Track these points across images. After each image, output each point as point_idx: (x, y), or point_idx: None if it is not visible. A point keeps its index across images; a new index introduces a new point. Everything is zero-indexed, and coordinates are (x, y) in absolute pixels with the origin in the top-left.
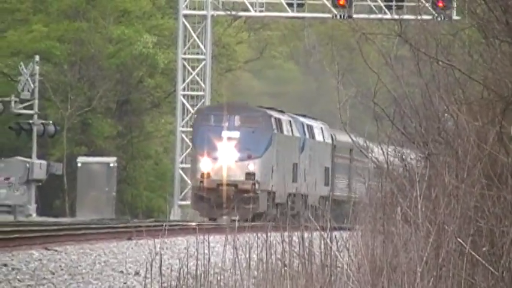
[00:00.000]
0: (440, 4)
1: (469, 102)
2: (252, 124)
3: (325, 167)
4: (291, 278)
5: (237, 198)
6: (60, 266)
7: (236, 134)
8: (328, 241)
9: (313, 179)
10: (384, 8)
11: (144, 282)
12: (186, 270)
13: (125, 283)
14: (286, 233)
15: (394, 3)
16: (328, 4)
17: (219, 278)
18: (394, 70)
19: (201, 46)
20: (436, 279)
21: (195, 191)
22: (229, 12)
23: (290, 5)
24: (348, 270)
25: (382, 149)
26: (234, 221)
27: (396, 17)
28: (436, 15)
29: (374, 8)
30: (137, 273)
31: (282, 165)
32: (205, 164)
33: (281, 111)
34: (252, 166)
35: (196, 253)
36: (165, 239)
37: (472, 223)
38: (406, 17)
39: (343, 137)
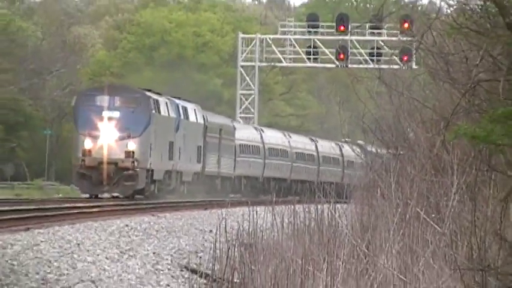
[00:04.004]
0: (405, 58)
1: (423, 121)
2: (131, 104)
3: (197, 145)
4: (309, 233)
5: (117, 176)
6: (162, 227)
7: (116, 114)
8: (332, 210)
9: (188, 156)
10: (369, 60)
11: (215, 237)
12: (242, 228)
13: (203, 237)
14: (306, 205)
15: (375, 57)
16: (333, 58)
17: (263, 233)
18: (375, 101)
19: (251, 85)
20: (402, 234)
21: (77, 169)
22: (269, 64)
23: (309, 58)
24: (345, 228)
25: (368, 148)
26: (116, 197)
27: (377, 66)
28: (402, 65)
29: (362, 60)
30: (211, 231)
31: (159, 144)
32: (86, 143)
33: (158, 93)
34: (132, 145)
35: (248, 218)
36: (228, 209)
37: (425, 198)
38: (383, 66)
39: (214, 119)
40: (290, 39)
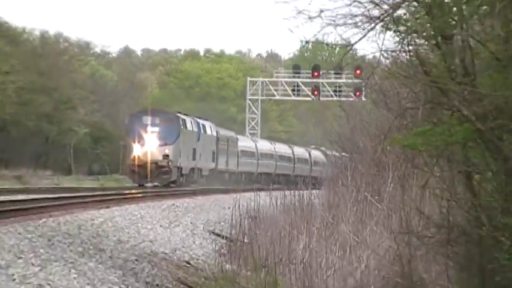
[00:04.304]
0: (357, 94)
1: (369, 135)
2: (167, 122)
3: (212, 150)
4: (294, 209)
5: (157, 171)
6: (197, 205)
7: (156, 129)
8: (309, 194)
9: (205, 158)
10: (333, 95)
11: (232, 212)
12: (249, 206)
13: (224, 212)
14: (292, 191)
15: (338, 93)
16: (310, 94)
17: (263, 210)
18: (338, 122)
19: (256, 111)
20: (356, 210)
21: (130, 167)
22: (267, 97)
23: (293, 94)
24: (318, 206)
25: (333, 153)
26: (156, 186)
27: (339, 99)
28: (355, 98)
29: (329, 95)
30: (229, 207)
31: (186, 149)
32: (136, 149)
33: (186, 114)
34: (167, 150)
35: (254, 199)
36: (241, 193)
37: (370, 186)
38: (343, 99)
39: (224, 132)
40: (281, 81)
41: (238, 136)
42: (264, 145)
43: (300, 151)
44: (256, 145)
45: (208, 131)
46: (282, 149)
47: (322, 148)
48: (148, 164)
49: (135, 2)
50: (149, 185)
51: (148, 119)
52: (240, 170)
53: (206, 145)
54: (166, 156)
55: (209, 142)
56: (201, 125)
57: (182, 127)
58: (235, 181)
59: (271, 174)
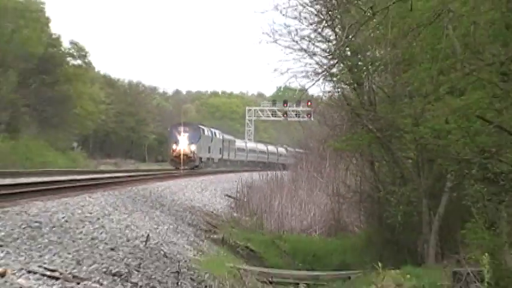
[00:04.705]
0: (309, 116)
1: (316, 140)
2: (193, 130)
3: (220, 147)
4: (273, 182)
5: (187, 160)
6: (216, 180)
7: (186, 134)
8: (281, 174)
9: (216, 152)
10: (295, 116)
11: (237, 183)
12: (247, 180)
13: (232, 183)
14: (271, 171)
15: (298, 115)
16: (282, 116)
17: (255, 182)
18: (298, 132)
19: (251, 126)
20: (308, 182)
21: (170, 157)
22: (257, 118)
23: (272, 116)
24: (286, 180)
25: (296, 149)
26: (186, 169)
27: (299, 119)
28: (308, 119)
29: (293, 117)
30: (235, 181)
31: (204, 147)
32: (174, 146)
33: (204, 125)
34: (193, 147)
35: (249, 176)
36: (241, 173)
37: (316, 169)
38: (301, 119)
39: (226, 136)
40: (266, 109)
41: (236, 139)
42: (251, 144)
43: (271, 148)
44: (246, 144)
45: (218, 136)
46: (261, 146)
47: (285, 146)
48: (181, 155)
49: (183, 60)
50: (181, 168)
51: (181, 128)
52: (236, 159)
53: (216, 144)
54: (192, 151)
55: (218, 142)
56: (213, 132)
57: (202, 133)
58: (233, 165)
59: (254, 161)
